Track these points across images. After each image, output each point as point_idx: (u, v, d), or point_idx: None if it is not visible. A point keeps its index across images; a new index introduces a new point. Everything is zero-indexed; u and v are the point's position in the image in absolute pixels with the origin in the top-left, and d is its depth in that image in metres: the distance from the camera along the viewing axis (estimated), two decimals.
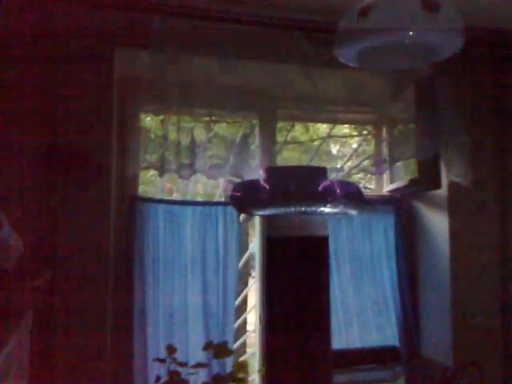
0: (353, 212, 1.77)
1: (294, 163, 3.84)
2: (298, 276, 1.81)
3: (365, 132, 3.55)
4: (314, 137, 4.30)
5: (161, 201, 2.54)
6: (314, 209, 1.70)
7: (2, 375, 1.20)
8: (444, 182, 2.67)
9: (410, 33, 1.55)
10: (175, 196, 2.75)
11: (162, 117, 2.47)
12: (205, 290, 2.52)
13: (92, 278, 2.23)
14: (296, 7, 2.38)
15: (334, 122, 3.18)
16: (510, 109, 2.72)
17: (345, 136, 4.33)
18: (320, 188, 1.66)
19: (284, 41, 2.48)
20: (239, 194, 1.80)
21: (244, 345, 2.94)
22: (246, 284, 3.56)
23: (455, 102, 2.60)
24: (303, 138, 4.16)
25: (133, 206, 2.46)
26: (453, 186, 2.66)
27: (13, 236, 1.46)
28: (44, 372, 2.00)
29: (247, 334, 3.02)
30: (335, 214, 1.78)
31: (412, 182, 2.65)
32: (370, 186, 3.13)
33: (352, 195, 1.78)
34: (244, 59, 2.48)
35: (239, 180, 2.49)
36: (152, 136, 2.51)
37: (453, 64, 2.06)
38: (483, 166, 2.70)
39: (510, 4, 2.35)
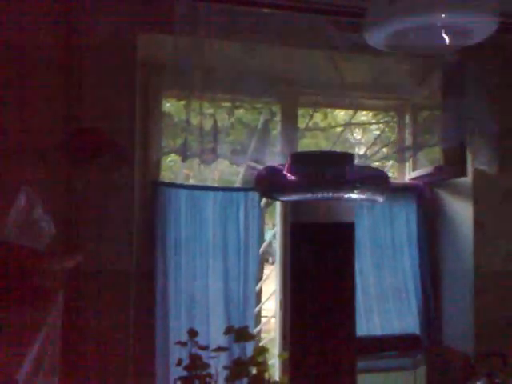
0: (380, 199, 1.75)
1: (316, 150, 3.82)
2: (323, 262, 1.79)
3: (387, 119, 3.50)
4: (333, 124, 4.27)
5: (183, 186, 2.54)
6: (341, 195, 1.68)
7: (40, 360, 1.21)
8: (469, 169, 2.63)
9: (443, 15, 1.51)
10: (192, 182, 2.76)
11: (184, 102, 2.45)
12: (226, 274, 2.53)
13: (115, 261, 2.25)
14: None
15: (357, 108, 3.14)
16: None
17: (367, 123, 4.28)
18: (347, 174, 1.64)
19: (309, 25, 2.44)
20: (265, 179, 1.79)
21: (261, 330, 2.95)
22: (262, 270, 3.57)
23: (482, 88, 2.54)
24: (322, 125, 4.12)
25: (155, 191, 2.47)
26: (478, 174, 2.62)
27: (44, 217, 1.47)
28: (72, 353, 2.02)
29: (265, 319, 3.04)
30: (362, 200, 1.76)
31: (437, 169, 2.61)
32: (392, 173, 3.09)
33: (380, 181, 1.76)
34: (267, 44, 2.45)
35: (261, 166, 2.47)
36: (174, 121, 2.50)
37: (480, 49, 2.02)
38: (510, 154, 2.64)
39: None
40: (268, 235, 3.01)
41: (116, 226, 2.28)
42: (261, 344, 2.63)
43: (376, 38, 1.58)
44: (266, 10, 2.38)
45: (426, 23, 1.51)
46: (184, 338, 2.31)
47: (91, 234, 2.22)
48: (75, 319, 2.11)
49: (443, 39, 1.63)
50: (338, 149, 2.96)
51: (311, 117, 3.50)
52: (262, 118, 2.73)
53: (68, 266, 1.74)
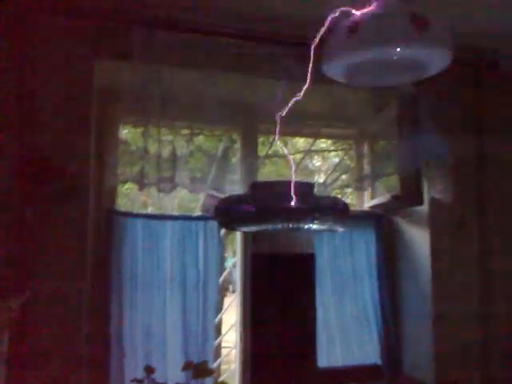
0: (339, 228, 1.74)
1: (275, 178, 3.83)
2: (284, 293, 1.77)
3: (346, 147, 3.56)
4: (293, 151, 4.30)
5: (139, 215, 2.47)
6: (300, 225, 1.66)
7: None
8: (426, 198, 2.67)
9: (398, 49, 1.54)
10: (150, 209, 2.69)
11: (142, 129, 2.41)
12: (184, 307, 2.45)
13: (67, 294, 2.14)
14: (281, 21, 2.37)
15: (316, 136, 3.17)
16: (490, 127, 2.75)
17: (326, 150, 4.34)
18: (307, 204, 1.63)
19: (267, 55, 2.46)
20: (224, 210, 1.76)
21: (221, 363, 2.88)
22: (222, 299, 3.51)
23: (437, 118, 2.61)
24: (282, 152, 4.15)
25: (110, 220, 2.39)
26: (434, 203, 2.66)
27: None
28: None
29: (226, 350, 2.96)
30: (322, 230, 1.75)
31: (394, 198, 2.64)
32: (351, 201, 3.12)
33: (339, 211, 1.76)
34: (227, 72, 2.45)
35: (220, 194, 2.44)
36: (131, 148, 2.44)
37: (435, 80, 2.08)
38: (464, 183, 2.71)
39: (492, 25, 2.39)
40: (229, 263, 2.97)
41: (68, 259, 2.18)
42: (221, 378, 2.56)
43: (334, 70, 1.59)
44: (224, 40, 2.38)
45: (383, 57, 1.53)
46: (140, 374, 2.21)
47: (41, 267, 2.11)
48: (23, 357, 1.99)
49: (399, 73, 1.66)
50: (297, 176, 2.95)
51: (271, 144, 3.52)
52: (221, 145, 2.71)
53: (15, 305, 1.64)
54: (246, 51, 2.45)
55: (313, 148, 4.13)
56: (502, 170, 2.76)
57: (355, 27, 1.52)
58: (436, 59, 1.60)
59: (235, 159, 2.75)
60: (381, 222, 2.88)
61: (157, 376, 2.19)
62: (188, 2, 2.23)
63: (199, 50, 2.35)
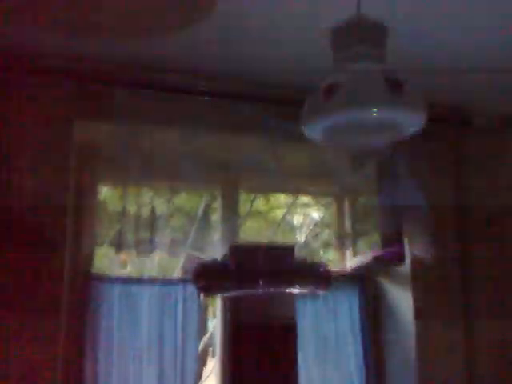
0: (321, 293, 1.70)
1: (257, 235, 3.78)
2: (264, 361, 1.69)
3: (327, 202, 3.55)
4: (275, 206, 4.29)
5: (117, 279, 2.39)
6: (281, 289, 1.61)
7: None
8: (408, 257, 2.64)
9: (374, 111, 1.55)
10: (129, 269, 2.62)
11: (121, 189, 2.37)
12: (162, 376, 2.33)
13: (39, 367, 2.03)
14: (262, 81, 2.41)
15: (297, 193, 3.17)
16: (468, 183, 2.77)
17: (308, 206, 4.33)
18: (288, 267, 1.59)
19: (248, 113, 2.49)
20: (203, 275, 1.70)
21: None
22: (204, 364, 3.37)
23: (416, 175, 2.63)
24: (264, 209, 4.13)
25: (87, 285, 2.31)
26: (416, 261, 2.64)
27: None
28: None
29: None
30: (303, 295, 1.70)
31: (376, 257, 2.61)
32: (333, 259, 3.08)
33: (321, 275, 1.72)
34: (207, 131, 2.46)
35: (200, 255, 2.39)
36: (110, 209, 2.40)
37: (413, 138, 2.11)
38: (445, 239, 2.70)
39: (465, 83, 2.46)
40: (211, 324, 2.86)
41: (42, 323, 2.08)
42: None
43: (312, 132, 1.60)
44: (205, 99, 2.40)
45: (360, 119, 1.55)
46: None
47: (13, 332, 2.01)
48: None
49: (376, 133, 1.67)
50: (279, 233, 2.93)
51: (252, 202, 3.50)
52: (202, 204, 2.68)
53: None
54: (226, 110, 2.47)
55: (295, 203, 4.12)
56: (484, 224, 2.75)
57: (331, 89, 1.53)
58: (411, 120, 1.61)
59: (216, 218, 2.72)
60: (363, 282, 2.83)
61: None
62: (167, 63, 2.26)
63: (179, 109, 2.36)
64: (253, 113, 2.49)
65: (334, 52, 1.54)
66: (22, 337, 2.03)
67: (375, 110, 1.53)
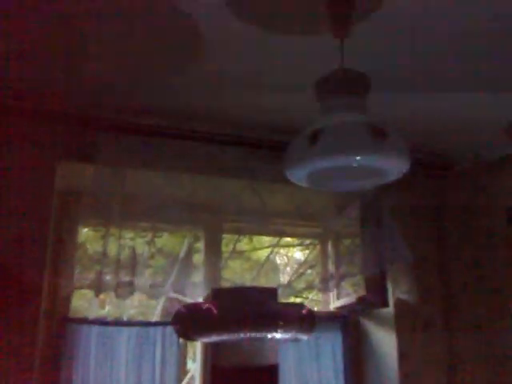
0: (304, 337, 1.67)
1: (240, 275, 3.75)
2: None
3: (311, 243, 3.55)
4: (258, 246, 4.26)
5: (94, 321, 2.33)
6: (264, 334, 1.58)
7: None
8: (391, 298, 2.64)
9: (358, 158, 1.57)
10: (108, 309, 2.56)
11: (101, 231, 2.34)
12: None
13: None
14: (244, 124, 2.44)
15: (280, 234, 3.16)
16: (449, 226, 2.80)
17: (291, 246, 4.32)
18: (271, 312, 1.56)
19: (231, 156, 2.50)
20: (183, 319, 1.67)
21: None
22: None
23: (398, 218, 2.65)
24: (248, 249, 4.10)
25: (63, 327, 2.24)
26: (399, 303, 2.64)
27: None
28: None
29: None
30: (286, 339, 1.67)
31: (359, 299, 2.60)
32: (317, 300, 3.06)
33: (304, 319, 1.69)
34: (190, 173, 2.46)
35: (181, 297, 2.35)
36: (90, 252, 2.35)
37: (396, 182, 2.14)
38: (428, 282, 2.70)
39: (447, 130, 2.51)
40: (192, 366, 2.79)
41: (16, 366, 2.00)
42: None
43: (296, 176, 1.61)
44: (188, 142, 2.41)
45: (343, 164, 1.56)
46: None
47: None
48: None
49: (359, 178, 1.69)
50: (262, 274, 2.90)
51: (235, 243, 3.48)
52: (185, 245, 2.65)
53: None
54: (211, 153, 2.48)
55: (279, 243, 4.11)
56: (466, 267, 2.77)
57: (315, 135, 1.55)
58: (394, 167, 1.63)
59: (198, 259, 2.69)
60: (347, 323, 2.80)
61: None
62: (152, 107, 2.28)
63: (162, 152, 2.36)
64: (237, 156, 2.51)
65: (319, 102, 1.57)
66: None
67: (359, 156, 1.55)
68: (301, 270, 3.60)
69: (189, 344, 3.25)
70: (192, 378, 2.74)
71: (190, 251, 2.63)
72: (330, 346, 2.73)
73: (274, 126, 2.50)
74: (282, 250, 4.64)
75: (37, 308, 2.10)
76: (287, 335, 1.62)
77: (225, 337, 1.59)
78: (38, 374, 2.08)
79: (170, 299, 2.49)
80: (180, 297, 2.41)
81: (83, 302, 3.22)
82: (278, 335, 1.60)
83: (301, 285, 3.02)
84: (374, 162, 1.58)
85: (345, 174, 1.73)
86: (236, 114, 2.39)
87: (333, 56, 1.50)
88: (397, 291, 2.64)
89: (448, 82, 2.10)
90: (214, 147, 2.48)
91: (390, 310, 2.64)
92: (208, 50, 1.84)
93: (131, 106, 2.25)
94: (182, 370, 2.67)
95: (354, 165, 1.58)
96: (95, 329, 2.29)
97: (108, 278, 2.20)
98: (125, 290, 2.20)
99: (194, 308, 1.65)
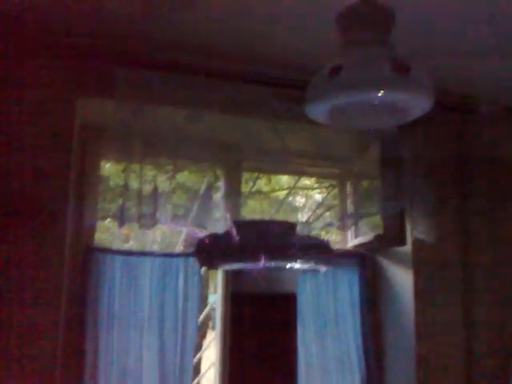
0: (322, 268, 1.73)
1: (259, 215, 3.81)
2: (264, 334, 1.73)
3: (329, 185, 3.57)
4: (277, 188, 4.31)
5: (118, 252, 2.42)
6: (283, 265, 1.64)
7: None
8: (409, 238, 2.67)
9: (380, 94, 1.55)
10: (132, 243, 2.65)
11: (123, 165, 2.39)
12: (162, 347, 2.38)
13: (40, 335, 2.07)
14: (266, 62, 2.40)
15: (300, 174, 3.18)
16: (472, 168, 2.78)
17: (310, 188, 4.35)
18: (290, 243, 1.61)
19: (252, 94, 2.48)
20: (206, 247, 1.73)
21: None
22: (203, 336, 3.43)
23: (420, 159, 2.63)
24: (266, 189, 4.15)
25: (88, 256, 2.34)
26: (417, 243, 2.65)
27: None
28: None
29: None
30: (304, 269, 1.73)
31: (377, 237, 2.64)
32: (335, 239, 3.11)
33: (322, 250, 1.74)
34: (211, 110, 2.46)
35: (202, 231, 2.41)
36: (112, 184, 2.42)
37: (417, 122, 2.11)
38: (447, 222, 2.72)
39: (472, 69, 2.44)
40: (211, 299, 2.91)
41: (42, 296, 2.12)
42: None
43: (316, 112, 1.60)
44: (210, 79, 2.40)
45: (364, 100, 1.55)
46: None
47: (12, 304, 2.04)
48: None
49: (381, 115, 1.68)
50: (281, 213, 2.95)
51: (255, 182, 3.52)
52: (205, 182, 2.69)
53: None
54: (231, 90, 2.47)
55: (297, 185, 4.14)
56: (486, 208, 2.76)
57: (337, 70, 1.53)
58: (417, 103, 1.61)
59: (218, 196, 2.74)
60: (364, 261, 2.86)
61: None
62: (172, 41, 2.25)
63: (183, 88, 2.35)
64: (257, 94, 2.49)
65: (340, 36, 1.54)
66: (24, 301, 2.06)
67: (381, 91, 1.53)
68: (319, 212, 3.64)
69: (210, 278, 3.37)
70: (211, 310, 2.87)
71: (210, 188, 2.67)
72: (346, 281, 2.80)
73: (297, 64, 2.45)
74: (300, 192, 4.68)
75: (62, 238, 2.19)
76: (305, 266, 1.68)
77: (245, 265, 1.65)
78: (64, 304, 2.18)
79: (190, 234, 2.55)
80: (200, 231, 2.47)
81: (107, 236, 3.33)
82: (296, 265, 1.66)
83: (319, 224, 3.06)
84: (397, 98, 1.56)
85: (366, 112, 1.71)
86: (259, 51, 2.35)
87: None
88: (415, 231, 2.65)
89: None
90: (235, 85, 2.46)
91: (407, 248, 2.67)
92: None
93: (150, 40, 2.23)
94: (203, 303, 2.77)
95: (376, 100, 1.57)
96: (119, 259, 2.39)
97: (131, 210, 2.27)
98: (147, 221, 2.27)
99: (216, 237, 1.72)
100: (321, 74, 1.58)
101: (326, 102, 1.55)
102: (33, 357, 2.04)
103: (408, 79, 1.52)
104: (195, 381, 2.52)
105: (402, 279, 2.74)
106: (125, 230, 2.71)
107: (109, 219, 2.94)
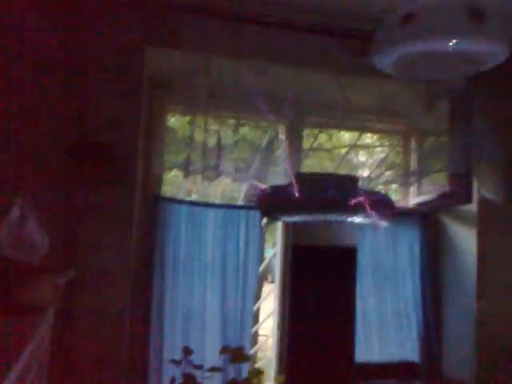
0: (383, 223, 1.73)
1: (320, 170, 3.80)
2: (323, 285, 1.77)
3: (392, 142, 3.49)
4: (338, 145, 4.25)
5: (184, 202, 2.51)
6: (344, 218, 1.65)
7: (25, 374, 1.18)
8: (475, 197, 2.60)
9: (454, 41, 1.50)
10: (194, 197, 2.73)
11: (188, 118, 2.44)
12: (224, 293, 2.49)
13: (112, 277, 2.21)
14: (332, 13, 2.35)
15: (363, 130, 3.13)
16: None
17: (371, 146, 4.26)
18: (351, 197, 1.62)
19: (317, 47, 2.44)
20: (268, 199, 1.77)
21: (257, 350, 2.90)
22: (260, 288, 3.51)
23: (491, 115, 2.52)
24: (327, 146, 4.11)
25: (156, 205, 2.44)
26: (484, 202, 2.58)
27: (39, 231, 1.43)
28: (62, 371, 1.97)
29: (262, 338, 2.97)
30: (365, 224, 1.74)
31: (441, 195, 2.58)
32: (396, 197, 3.07)
33: (384, 206, 1.73)
34: (274, 63, 2.45)
35: (263, 184, 2.45)
36: (178, 136, 2.48)
37: (489, 75, 2.00)
38: None
39: None
40: (268, 253, 2.98)
41: (114, 240, 2.24)
42: (257, 365, 2.58)
43: (384, 61, 1.57)
44: (274, 30, 2.37)
45: (436, 49, 1.50)
46: (178, 355, 2.26)
47: (88, 247, 2.19)
48: (67, 335, 2.06)
49: (453, 65, 1.62)
50: (341, 170, 2.93)
51: (316, 137, 3.50)
52: (266, 137, 2.71)
53: (59, 283, 1.69)
54: (295, 42, 2.44)
55: (358, 143, 4.07)
56: None
57: (409, 17, 1.49)
58: (492, 53, 1.55)
59: (279, 151, 2.75)
60: (426, 219, 2.82)
61: (194, 358, 2.24)
62: None
63: (248, 40, 2.35)
64: (321, 45, 2.44)
65: None
66: (100, 243, 2.19)
67: (455, 39, 1.48)
68: (380, 170, 3.58)
69: (267, 233, 3.43)
70: (269, 263, 2.93)
71: (272, 142, 2.68)
72: (407, 238, 2.79)
73: (362, 14, 2.38)
74: (361, 151, 4.59)
75: (132, 186, 2.29)
76: (366, 220, 1.68)
77: (306, 218, 1.68)
78: (134, 248, 2.29)
79: (251, 187, 2.60)
80: (262, 184, 2.51)
81: (171, 189, 3.44)
82: (357, 219, 1.66)
83: (380, 181, 3.02)
84: (471, 47, 1.50)
85: (436, 62, 1.66)
86: (321, 2, 2.30)
87: None
88: (482, 190, 2.57)
89: None
90: (298, 36, 2.43)
91: (472, 207, 2.60)
92: None
93: None
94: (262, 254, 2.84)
95: (449, 49, 1.52)
96: (184, 209, 2.48)
97: (196, 161, 2.33)
98: (211, 172, 2.33)
99: (277, 189, 1.75)
100: (390, 23, 1.54)
101: (395, 50, 1.52)
102: (104, 295, 2.19)
103: (484, 27, 1.46)
104: (254, 328, 2.62)
105: (465, 239, 2.68)
106: (188, 184, 2.79)
107: (174, 172, 3.03)
